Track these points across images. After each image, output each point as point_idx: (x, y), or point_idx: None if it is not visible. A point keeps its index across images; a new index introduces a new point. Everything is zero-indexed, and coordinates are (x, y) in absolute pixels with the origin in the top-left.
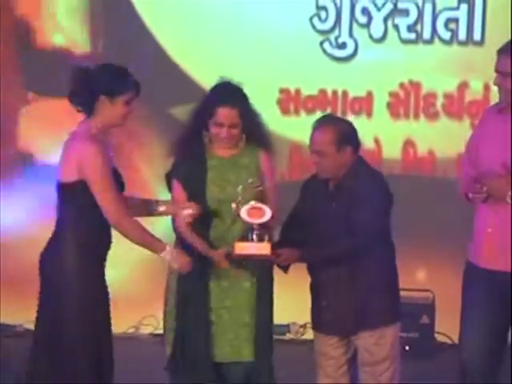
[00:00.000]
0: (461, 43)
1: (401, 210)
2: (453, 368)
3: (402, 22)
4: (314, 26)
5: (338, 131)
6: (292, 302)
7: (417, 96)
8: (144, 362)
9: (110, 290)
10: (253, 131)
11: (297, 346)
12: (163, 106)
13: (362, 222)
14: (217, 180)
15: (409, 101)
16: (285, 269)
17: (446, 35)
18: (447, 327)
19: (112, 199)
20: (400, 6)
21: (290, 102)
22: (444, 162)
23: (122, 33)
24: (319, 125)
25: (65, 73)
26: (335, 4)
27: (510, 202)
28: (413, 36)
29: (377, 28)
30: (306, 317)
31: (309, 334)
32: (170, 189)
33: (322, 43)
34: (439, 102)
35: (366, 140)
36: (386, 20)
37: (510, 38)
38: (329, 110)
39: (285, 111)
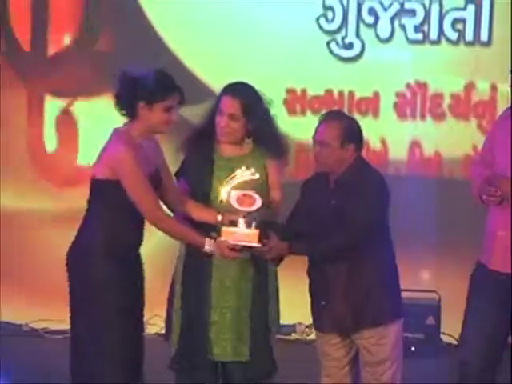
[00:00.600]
0: (468, 44)
1: (407, 210)
2: (458, 369)
3: (409, 23)
4: (320, 27)
5: (343, 126)
6: (298, 302)
7: (423, 96)
8: (150, 362)
9: None
10: (261, 133)
11: (303, 346)
12: None
13: (354, 217)
14: (223, 180)
15: (415, 101)
16: (276, 262)
17: (453, 35)
18: (453, 328)
19: (147, 200)
20: (407, 6)
21: (296, 102)
22: (450, 163)
23: (129, 34)
24: (326, 118)
25: None
26: (342, 4)
27: None
28: (420, 36)
29: (383, 28)
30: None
31: (315, 334)
32: None
33: (328, 43)
34: (446, 102)
35: (373, 140)
36: (392, 20)
37: None
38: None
39: (291, 111)
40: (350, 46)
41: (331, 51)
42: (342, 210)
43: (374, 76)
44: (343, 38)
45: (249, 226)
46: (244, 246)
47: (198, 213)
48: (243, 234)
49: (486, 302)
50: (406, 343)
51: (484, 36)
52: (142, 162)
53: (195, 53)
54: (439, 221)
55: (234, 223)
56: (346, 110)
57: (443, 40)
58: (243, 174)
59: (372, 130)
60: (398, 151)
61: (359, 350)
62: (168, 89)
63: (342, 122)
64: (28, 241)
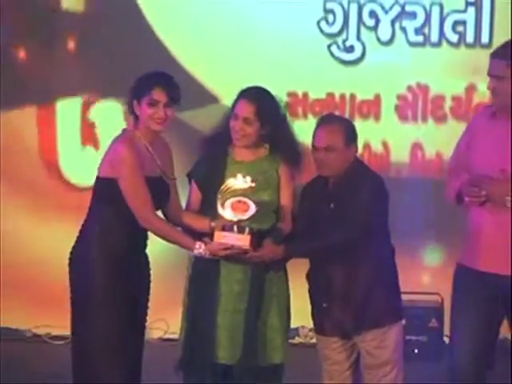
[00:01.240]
0: (468, 46)
1: (409, 212)
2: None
3: (410, 25)
4: (321, 30)
5: (345, 127)
6: (301, 305)
7: (425, 99)
8: (153, 366)
9: None
10: (275, 138)
11: (306, 350)
12: None
13: (349, 217)
14: None
15: (417, 104)
16: (276, 266)
17: (454, 38)
18: None
19: (139, 200)
20: (407, 8)
21: (297, 105)
22: None
23: (130, 38)
24: (326, 122)
25: None
26: (343, 7)
27: (509, 205)
28: (420, 39)
29: (384, 31)
30: None
31: None
32: None
33: (329, 46)
34: (447, 104)
35: (374, 143)
36: (393, 23)
37: None
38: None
39: (293, 115)
40: (350, 49)
41: (332, 54)
42: (341, 213)
43: (375, 79)
44: (344, 41)
45: (242, 231)
46: (234, 247)
47: (194, 222)
48: (235, 237)
49: (474, 303)
50: (410, 345)
51: (485, 38)
52: (144, 163)
53: (196, 57)
54: (441, 223)
55: (227, 228)
56: (347, 113)
57: (444, 42)
58: (235, 183)
59: (373, 132)
60: (400, 154)
61: (361, 353)
62: (151, 83)
63: (342, 123)
64: (31, 247)
